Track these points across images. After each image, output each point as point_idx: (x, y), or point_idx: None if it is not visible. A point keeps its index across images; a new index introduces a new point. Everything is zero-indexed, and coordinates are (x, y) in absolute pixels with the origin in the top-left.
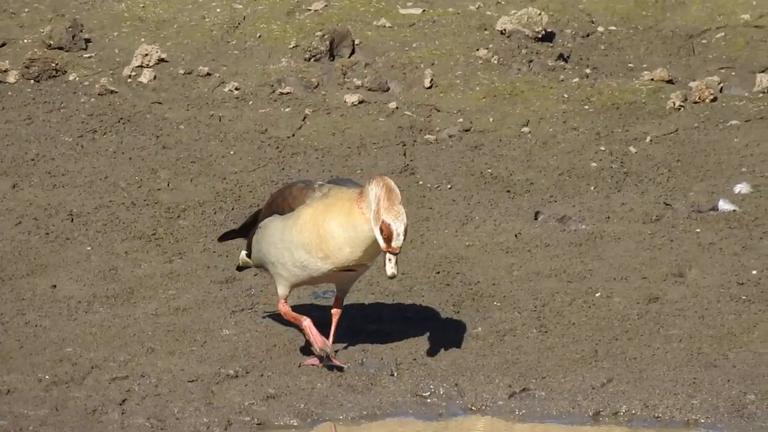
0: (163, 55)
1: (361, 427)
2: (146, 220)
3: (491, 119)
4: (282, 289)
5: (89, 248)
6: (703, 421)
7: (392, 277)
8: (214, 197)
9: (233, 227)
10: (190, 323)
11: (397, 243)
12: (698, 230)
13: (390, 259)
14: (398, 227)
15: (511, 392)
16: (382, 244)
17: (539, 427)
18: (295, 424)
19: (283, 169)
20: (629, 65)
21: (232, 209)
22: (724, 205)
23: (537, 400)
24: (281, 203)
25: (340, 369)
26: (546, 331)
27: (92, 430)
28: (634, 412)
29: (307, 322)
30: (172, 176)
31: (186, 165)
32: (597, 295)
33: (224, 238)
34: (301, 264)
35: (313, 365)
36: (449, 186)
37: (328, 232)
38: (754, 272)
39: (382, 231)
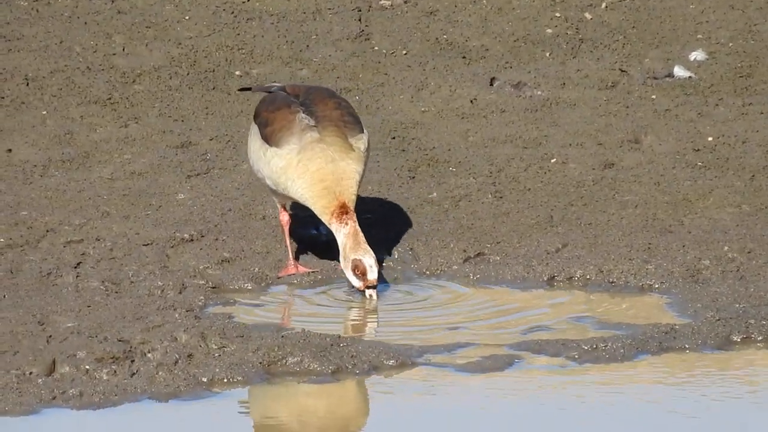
0: None
1: (317, 291)
2: (101, 84)
3: None
4: (272, 197)
5: (45, 113)
6: (657, 286)
7: (375, 308)
8: (169, 62)
9: (188, 92)
10: (145, 187)
11: (372, 275)
12: (654, 97)
13: (371, 296)
14: (369, 261)
15: (466, 257)
16: (357, 283)
17: (494, 292)
18: (250, 287)
19: (239, 34)
20: None
21: (188, 74)
22: (679, 72)
23: (492, 264)
24: (263, 124)
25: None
26: (501, 197)
27: (47, 293)
28: (588, 277)
29: (290, 261)
30: (127, 41)
31: (141, 30)
32: (552, 161)
33: (243, 89)
34: (271, 189)
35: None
36: (404, 52)
37: (293, 190)
38: (710, 139)
39: (355, 269)
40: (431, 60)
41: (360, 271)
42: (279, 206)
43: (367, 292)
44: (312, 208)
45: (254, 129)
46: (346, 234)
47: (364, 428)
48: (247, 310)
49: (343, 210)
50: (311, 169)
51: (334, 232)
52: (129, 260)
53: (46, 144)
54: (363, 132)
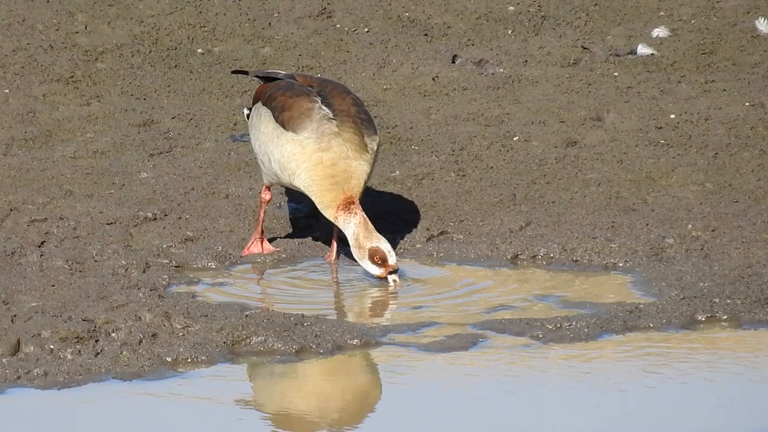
0: None
1: (281, 269)
2: (64, 63)
3: None
4: (264, 178)
5: (7, 91)
6: (621, 264)
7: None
8: (131, 40)
9: (150, 70)
10: (108, 166)
11: (393, 260)
12: (616, 74)
13: (395, 280)
14: (386, 246)
15: (430, 236)
16: (378, 271)
17: (458, 270)
18: (213, 266)
19: (200, 12)
20: None
21: (150, 52)
22: (642, 49)
23: (455, 243)
24: (278, 109)
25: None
26: (464, 175)
27: (11, 272)
28: (552, 255)
29: (257, 236)
30: (89, 19)
31: (103, 8)
32: (515, 138)
33: (237, 72)
34: (274, 173)
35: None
36: (366, 30)
37: (301, 179)
38: (672, 116)
39: (373, 256)
40: (393, 37)
41: (379, 257)
42: (265, 184)
43: (390, 277)
44: (316, 200)
45: (265, 111)
46: (357, 224)
47: (329, 407)
48: (211, 289)
49: (349, 200)
50: (325, 163)
51: (340, 223)
52: (93, 239)
53: (9, 122)
54: (376, 133)
